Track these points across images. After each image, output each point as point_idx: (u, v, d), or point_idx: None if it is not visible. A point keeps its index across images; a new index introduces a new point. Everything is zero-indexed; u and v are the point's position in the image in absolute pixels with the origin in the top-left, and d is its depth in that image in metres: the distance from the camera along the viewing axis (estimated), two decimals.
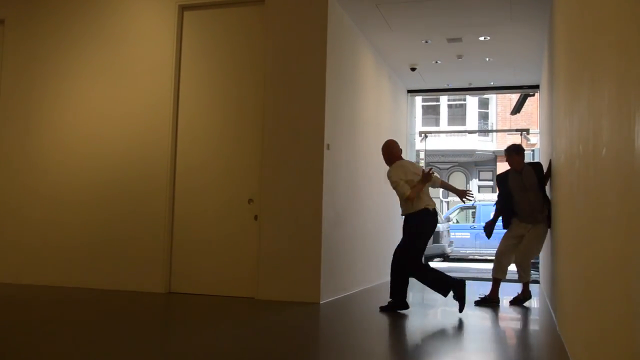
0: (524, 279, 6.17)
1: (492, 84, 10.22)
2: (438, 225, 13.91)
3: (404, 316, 5.42)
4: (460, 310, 5.37)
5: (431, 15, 6.88)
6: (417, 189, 5.46)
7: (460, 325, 5.17)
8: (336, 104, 6.37)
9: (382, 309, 5.59)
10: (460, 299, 5.35)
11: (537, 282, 9.39)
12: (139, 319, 5.01)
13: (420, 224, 5.53)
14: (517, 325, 5.46)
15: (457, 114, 23.77)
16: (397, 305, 5.56)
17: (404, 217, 5.62)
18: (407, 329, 5.11)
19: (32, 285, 6.63)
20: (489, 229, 6.33)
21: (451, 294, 5.43)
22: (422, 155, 11.72)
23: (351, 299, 6.42)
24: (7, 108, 7.12)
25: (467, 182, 24.56)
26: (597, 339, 2.46)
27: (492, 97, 23.17)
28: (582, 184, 2.96)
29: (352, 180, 7.00)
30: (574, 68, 3.44)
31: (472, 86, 10.27)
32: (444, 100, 23.15)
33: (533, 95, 10.56)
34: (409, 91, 10.52)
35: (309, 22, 6.14)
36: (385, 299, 6.16)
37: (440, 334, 4.87)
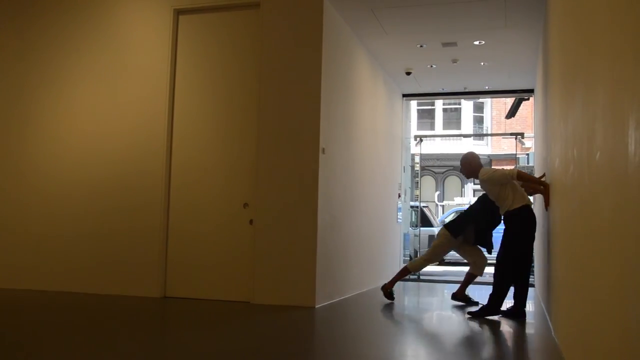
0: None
1: (487, 88, 10.25)
2: (434, 228, 13.79)
3: (399, 320, 5.42)
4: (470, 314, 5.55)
5: (426, 20, 6.90)
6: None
7: (455, 330, 5.17)
8: (331, 108, 6.38)
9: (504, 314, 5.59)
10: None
11: (532, 286, 9.41)
12: (134, 323, 4.99)
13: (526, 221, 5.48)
14: (513, 329, 5.46)
15: (452, 118, 23.83)
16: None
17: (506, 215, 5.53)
18: (402, 334, 5.10)
19: (28, 290, 6.60)
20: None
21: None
22: (417, 159, 11.72)
23: (347, 303, 6.41)
24: (3, 113, 7.09)
25: (462, 186, 24.60)
26: (592, 343, 2.46)
27: (487, 101, 23.24)
28: (577, 187, 2.97)
29: (348, 185, 7.00)
30: (568, 72, 3.45)
31: (467, 90, 10.30)
32: (439, 104, 23.20)
33: (528, 99, 10.59)
34: (404, 95, 10.54)
35: (304, 26, 6.15)
36: (380, 302, 6.17)
37: (435, 339, 4.87)
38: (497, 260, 5.59)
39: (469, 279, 6.49)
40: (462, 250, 6.57)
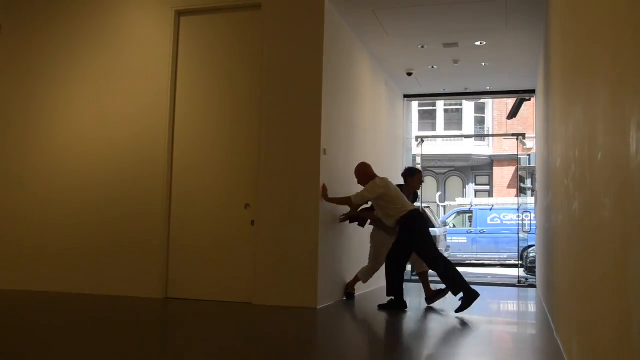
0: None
1: (488, 88, 10.25)
2: (435, 229, 13.79)
3: (401, 320, 5.42)
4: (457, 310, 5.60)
5: (427, 21, 6.91)
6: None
7: (457, 329, 5.17)
8: (333, 109, 6.38)
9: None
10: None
11: (534, 286, 9.40)
12: (135, 324, 5.00)
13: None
14: (514, 329, 5.46)
15: (454, 119, 23.83)
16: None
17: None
18: (403, 334, 5.10)
19: (28, 291, 6.60)
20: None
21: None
22: (418, 160, 11.71)
23: (348, 304, 6.41)
24: (4, 114, 7.10)
25: (464, 187, 24.58)
26: (594, 344, 2.46)
27: (488, 102, 23.22)
28: (578, 187, 2.97)
29: (349, 185, 6.99)
30: (570, 73, 3.45)
31: (468, 91, 10.29)
32: (440, 105, 23.19)
33: (529, 99, 10.59)
34: (406, 96, 10.53)
35: (306, 27, 6.15)
36: (379, 303, 6.15)
37: (437, 339, 4.86)
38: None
39: (423, 278, 6.55)
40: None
